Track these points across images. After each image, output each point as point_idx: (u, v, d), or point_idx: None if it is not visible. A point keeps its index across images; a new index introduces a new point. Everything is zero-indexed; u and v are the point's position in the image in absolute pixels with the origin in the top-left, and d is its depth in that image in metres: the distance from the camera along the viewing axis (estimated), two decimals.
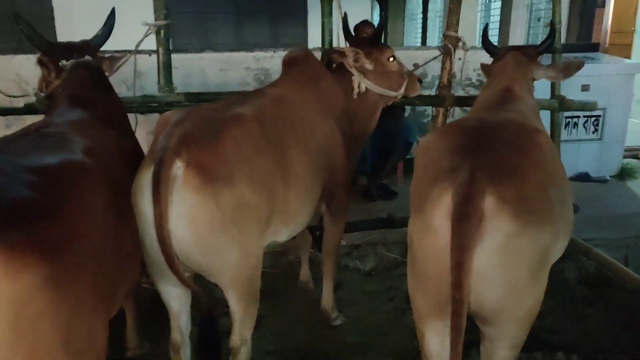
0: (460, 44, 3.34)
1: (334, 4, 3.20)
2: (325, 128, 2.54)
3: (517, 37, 6.73)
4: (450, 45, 3.31)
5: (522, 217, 1.44)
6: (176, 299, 1.98)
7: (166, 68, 3.18)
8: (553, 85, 3.53)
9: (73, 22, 7.42)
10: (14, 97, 3.22)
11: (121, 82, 5.37)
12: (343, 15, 3.10)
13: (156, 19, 3.14)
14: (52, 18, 7.39)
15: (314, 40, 8.26)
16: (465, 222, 1.42)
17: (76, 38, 6.94)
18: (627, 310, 3.01)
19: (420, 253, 1.56)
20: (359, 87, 2.87)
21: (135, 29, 7.68)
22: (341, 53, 2.87)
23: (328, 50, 3.00)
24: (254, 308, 1.99)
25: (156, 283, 1.94)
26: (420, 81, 3.20)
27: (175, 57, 3.44)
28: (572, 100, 3.47)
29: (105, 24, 2.63)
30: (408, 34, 10.24)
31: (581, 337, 2.78)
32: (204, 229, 1.73)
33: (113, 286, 1.55)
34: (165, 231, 1.66)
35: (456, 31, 3.33)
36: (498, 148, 1.61)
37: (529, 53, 2.66)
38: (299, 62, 2.70)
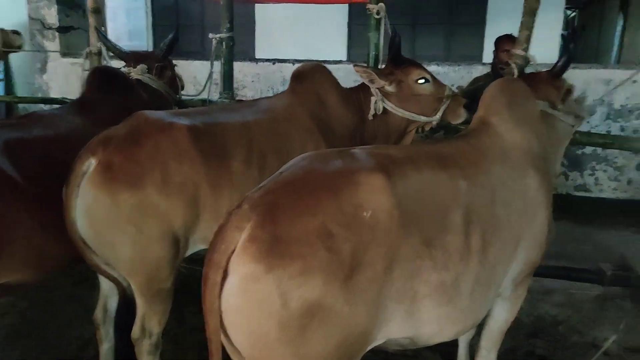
0: (531, 63, 2.82)
1: (382, 19, 3.07)
2: (308, 146, 2.51)
3: None
4: (514, 65, 2.82)
5: (267, 260, 1.27)
6: (105, 281, 2.22)
7: (227, 76, 3.50)
8: None
9: (271, 35, 8.55)
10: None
11: (269, 88, 6.13)
12: (392, 30, 2.95)
13: (220, 31, 3.44)
14: (254, 26, 8.63)
15: (490, 53, 7.69)
16: (211, 253, 1.34)
17: (273, 45, 7.93)
18: None
19: None
20: (375, 108, 2.71)
21: (324, 39, 8.46)
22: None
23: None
24: (159, 305, 2.08)
25: None
26: (467, 107, 2.82)
27: None
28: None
29: (168, 37, 3.11)
30: None
31: None
32: (98, 223, 1.92)
33: None
34: (68, 219, 1.92)
35: (526, 50, 2.82)
36: (294, 181, 1.43)
37: (534, 78, 2.13)
38: (306, 76, 2.69)
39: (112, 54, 3.33)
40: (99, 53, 3.49)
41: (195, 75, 6.19)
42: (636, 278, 3.04)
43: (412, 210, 1.50)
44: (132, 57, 3.02)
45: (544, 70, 2.38)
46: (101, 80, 2.63)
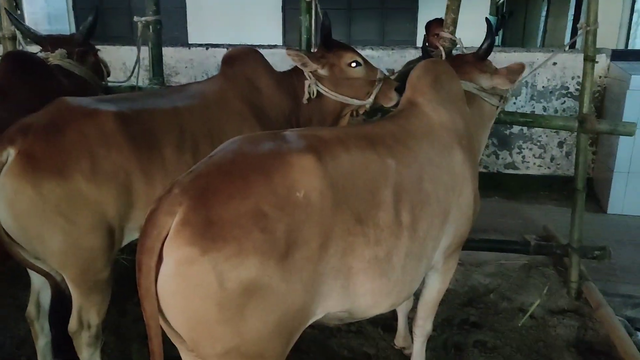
0: (458, 46, 2.93)
1: (312, 2, 3.08)
2: (242, 131, 2.48)
3: None
4: (442, 48, 2.92)
5: (202, 243, 1.27)
6: (36, 275, 2.18)
7: (156, 62, 3.39)
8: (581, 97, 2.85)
9: (203, 19, 8.33)
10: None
11: (203, 74, 6.00)
12: (323, 14, 2.96)
13: (146, 14, 3.31)
14: (185, 11, 8.36)
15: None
16: (143, 239, 1.33)
17: (206, 30, 7.66)
18: None
19: None
20: (309, 92, 2.72)
21: (258, 24, 8.33)
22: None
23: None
24: (97, 296, 2.04)
25: None
26: (399, 90, 2.88)
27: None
28: (599, 119, 2.78)
29: (88, 20, 2.90)
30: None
31: None
32: (23, 215, 1.83)
33: None
34: None
35: (452, 33, 2.92)
36: (225, 164, 1.43)
37: (460, 60, 2.23)
38: (237, 60, 2.65)
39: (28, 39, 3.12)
40: (14, 37, 3.25)
41: (125, 61, 5.95)
42: (558, 247, 3.28)
43: (343, 189, 1.53)
44: (49, 41, 2.83)
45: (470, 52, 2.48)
46: (15, 65, 2.47)
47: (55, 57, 2.73)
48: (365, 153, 1.66)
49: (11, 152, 1.85)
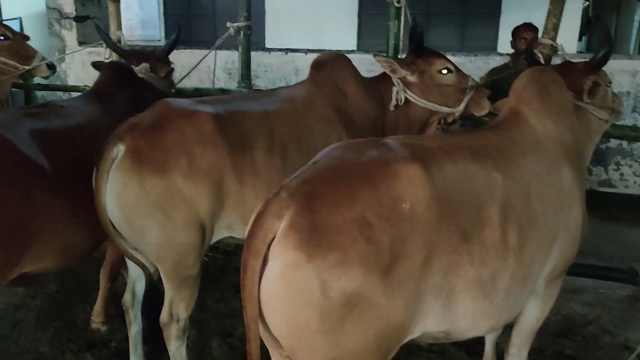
0: (559, 53, 2.71)
1: (402, 8, 2.96)
2: (329, 136, 2.44)
3: None
4: (540, 54, 2.71)
5: (308, 249, 1.24)
6: (133, 266, 2.27)
7: (245, 65, 3.45)
8: None
9: (281, 24, 8.44)
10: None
11: (281, 78, 6.06)
12: (412, 20, 2.85)
13: (238, 20, 3.36)
14: (264, 17, 8.50)
15: (504, 44, 7.52)
16: (250, 240, 1.31)
17: (282, 35, 7.77)
18: None
19: None
20: (397, 99, 2.63)
21: (334, 28, 8.32)
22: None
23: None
24: (186, 290, 2.12)
25: None
26: (490, 98, 2.71)
27: None
28: None
29: (171, 38, 3.09)
30: None
31: None
32: (128, 208, 1.95)
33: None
34: (99, 204, 1.98)
35: (553, 38, 2.70)
36: (330, 170, 1.39)
37: (569, 68, 2.02)
38: (326, 66, 2.64)
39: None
40: (119, 42, 3.46)
41: (209, 65, 6.15)
42: None
43: (449, 202, 1.44)
44: (134, 56, 3.00)
45: (581, 61, 2.25)
46: (116, 74, 2.67)
47: (140, 71, 2.90)
48: (471, 165, 1.56)
49: (121, 148, 1.98)
